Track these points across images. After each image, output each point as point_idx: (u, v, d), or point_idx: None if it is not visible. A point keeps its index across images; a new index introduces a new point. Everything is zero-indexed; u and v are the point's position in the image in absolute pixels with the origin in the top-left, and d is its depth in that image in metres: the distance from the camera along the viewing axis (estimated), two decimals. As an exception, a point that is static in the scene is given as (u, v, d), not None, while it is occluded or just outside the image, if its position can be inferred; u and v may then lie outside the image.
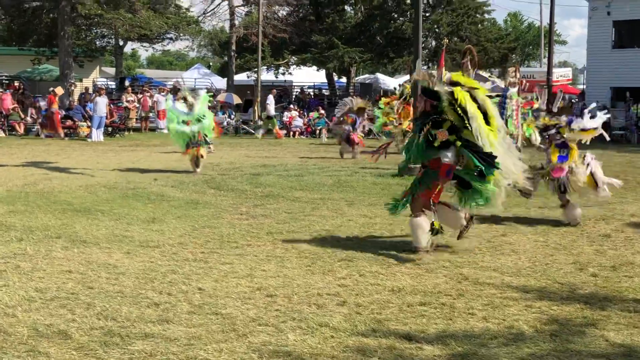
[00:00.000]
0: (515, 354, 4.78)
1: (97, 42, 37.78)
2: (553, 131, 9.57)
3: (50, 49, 33.14)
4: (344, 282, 6.55)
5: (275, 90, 30.36)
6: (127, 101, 29.31)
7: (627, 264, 7.24)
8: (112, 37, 37.48)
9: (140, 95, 30.31)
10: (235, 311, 5.63)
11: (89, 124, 25.64)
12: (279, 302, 5.91)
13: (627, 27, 30.82)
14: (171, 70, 67.84)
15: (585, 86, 34.41)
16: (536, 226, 9.34)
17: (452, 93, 7.32)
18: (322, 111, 30.76)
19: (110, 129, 26.52)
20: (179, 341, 4.96)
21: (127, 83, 36.30)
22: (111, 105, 27.11)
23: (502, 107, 15.14)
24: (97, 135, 24.79)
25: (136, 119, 29.74)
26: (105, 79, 40.74)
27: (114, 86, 38.51)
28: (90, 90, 32.02)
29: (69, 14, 29.63)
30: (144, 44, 39.41)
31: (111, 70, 45.71)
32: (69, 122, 26.33)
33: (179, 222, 9.50)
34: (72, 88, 30.77)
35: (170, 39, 37.61)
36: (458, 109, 7.26)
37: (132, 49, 66.39)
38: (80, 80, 34.89)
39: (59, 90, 26.04)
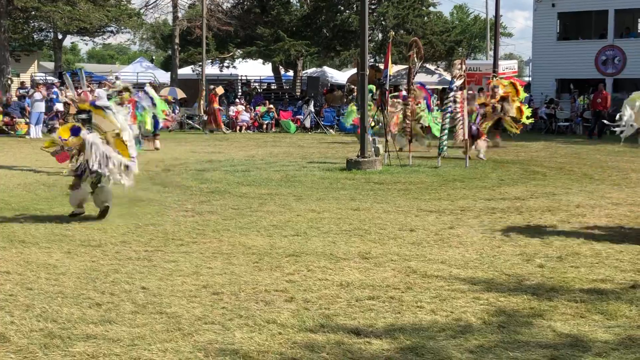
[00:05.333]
0: (463, 346, 4.77)
1: (35, 36, 36.76)
2: None
3: (-16, 43, 32.10)
4: (291, 277, 6.48)
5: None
6: (67, 96, 28.57)
7: (573, 255, 7.34)
8: (51, 30, 36.45)
9: (80, 90, 29.55)
10: (180, 310, 5.50)
11: (27, 120, 24.95)
12: (226, 299, 5.80)
13: (571, 18, 31.23)
14: (113, 65, 66.58)
15: (530, 78, 34.80)
16: (483, 218, 9.43)
17: None
18: (270, 105, 30.62)
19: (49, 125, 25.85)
20: (122, 342, 4.82)
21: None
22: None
23: (447, 99, 15.29)
24: (36, 131, 24.14)
25: (76, 115, 28.99)
26: (43, 74, 39.68)
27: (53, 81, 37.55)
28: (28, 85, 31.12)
29: (4, 6, 28.69)
30: (84, 38, 38.50)
31: (50, 65, 44.59)
32: (6, 119, 25.58)
33: (121, 219, 9.28)
34: (9, 83, 29.85)
35: (111, 32, 36.77)
36: None
37: (72, 43, 65.23)
38: (18, 75, 33.86)
39: (219, 90, 27.97)
